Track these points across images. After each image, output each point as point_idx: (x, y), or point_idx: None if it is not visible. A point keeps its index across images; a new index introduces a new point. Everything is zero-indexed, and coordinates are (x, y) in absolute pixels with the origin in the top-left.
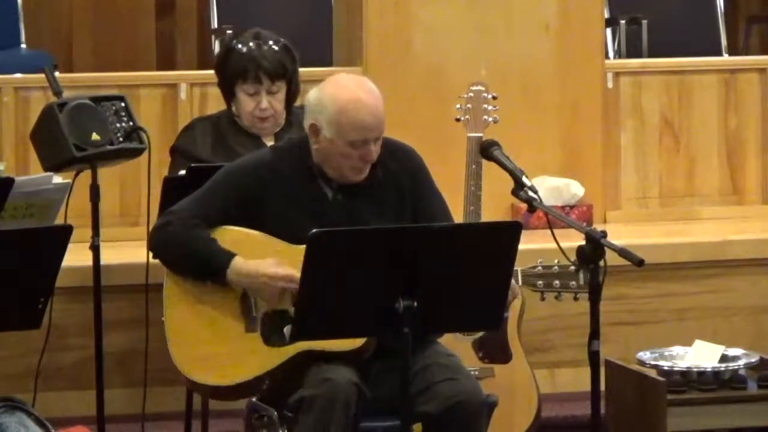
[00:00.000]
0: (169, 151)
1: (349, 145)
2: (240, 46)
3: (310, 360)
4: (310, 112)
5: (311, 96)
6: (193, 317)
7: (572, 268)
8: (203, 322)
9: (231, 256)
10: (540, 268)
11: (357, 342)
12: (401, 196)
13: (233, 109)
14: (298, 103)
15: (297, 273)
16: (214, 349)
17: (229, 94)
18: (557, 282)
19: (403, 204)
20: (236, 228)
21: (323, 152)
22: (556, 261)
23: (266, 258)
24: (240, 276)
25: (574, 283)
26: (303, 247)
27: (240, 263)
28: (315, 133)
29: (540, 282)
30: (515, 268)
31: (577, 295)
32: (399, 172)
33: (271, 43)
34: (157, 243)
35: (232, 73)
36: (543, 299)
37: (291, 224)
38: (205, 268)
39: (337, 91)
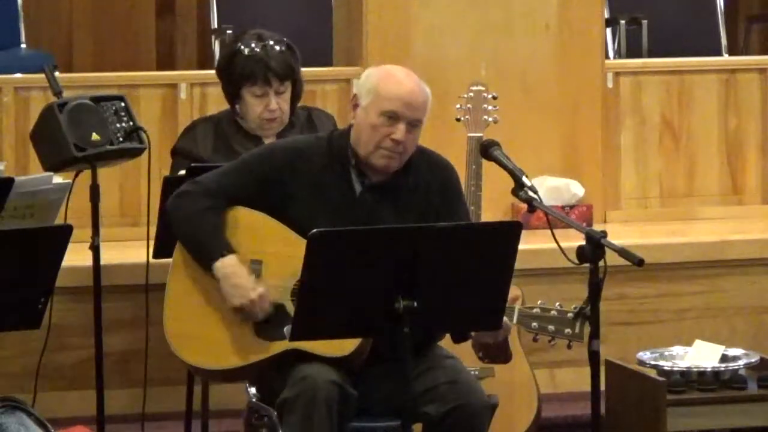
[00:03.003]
0: (171, 152)
1: (380, 116)
2: (245, 48)
3: (297, 360)
4: (357, 86)
5: (363, 74)
6: (194, 294)
7: (570, 315)
8: (202, 301)
9: (227, 252)
10: (538, 309)
11: (347, 348)
12: (428, 207)
13: (238, 110)
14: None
15: (268, 302)
16: (206, 330)
17: (234, 97)
18: (552, 327)
19: (428, 215)
20: (255, 213)
21: (356, 127)
22: (557, 304)
23: (274, 247)
24: (225, 268)
25: (569, 330)
26: None
27: (233, 260)
28: (354, 106)
29: (535, 324)
30: (514, 306)
31: (571, 344)
32: (432, 184)
33: (275, 43)
34: (171, 209)
35: (239, 76)
36: (536, 340)
37: (312, 214)
38: (199, 249)
39: (387, 70)
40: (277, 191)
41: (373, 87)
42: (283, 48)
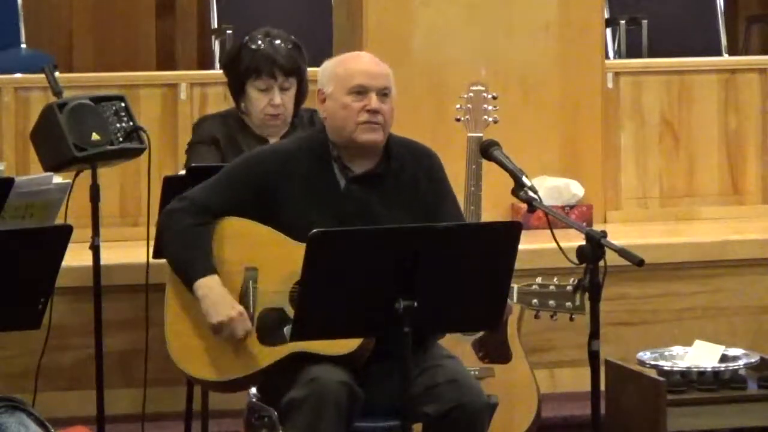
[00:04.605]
0: (187, 147)
1: (349, 94)
2: (252, 43)
3: (302, 361)
4: (318, 82)
5: (319, 70)
6: (193, 308)
7: (569, 288)
8: (202, 315)
9: (210, 272)
10: (536, 286)
11: (351, 345)
12: (416, 197)
13: (242, 107)
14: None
15: (241, 331)
16: (209, 342)
17: (238, 93)
18: (553, 302)
19: (417, 205)
20: (245, 221)
21: (330, 117)
22: (554, 279)
23: (267, 253)
24: (206, 288)
25: (569, 303)
26: (303, 245)
27: (214, 280)
28: (321, 100)
29: (535, 300)
30: (512, 285)
31: (573, 316)
32: (419, 175)
33: (283, 41)
34: (160, 227)
35: (244, 70)
36: (537, 317)
37: (301, 214)
38: (182, 268)
39: (341, 55)
40: (268, 198)
41: (333, 73)
42: (290, 46)
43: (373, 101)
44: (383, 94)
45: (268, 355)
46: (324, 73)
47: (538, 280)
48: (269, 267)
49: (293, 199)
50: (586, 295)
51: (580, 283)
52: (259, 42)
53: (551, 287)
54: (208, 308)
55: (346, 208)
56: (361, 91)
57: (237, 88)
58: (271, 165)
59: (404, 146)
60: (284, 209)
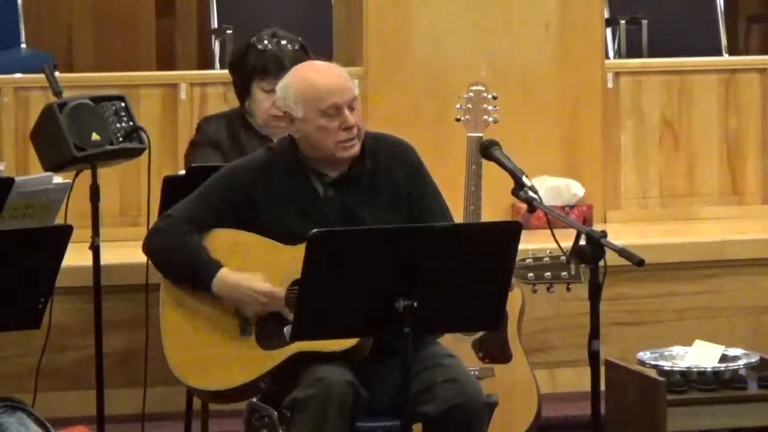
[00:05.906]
0: (189, 145)
1: (323, 116)
2: (259, 43)
3: (305, 361)
4: (283, 104)
5: (277, 89)
6: (189, 320)
7: (563, 258)
8: (198, 326)
9: (218, 267)
10: (530, 260)
11: (351, 341)
12: (396, 192)
13: (246, 106)
14: None
15: (279, 292)
16: (209, 353)
17: (244, 92)
18: (548, 273)
19: (399, 200)
20: (230, 230)
21: (304, 138)
22: (548, 251)
23: (259, 258)
24: (225, 287)
25: (565, 273)
26: (297, 247)
27: (226, 274)
28: (291, 122)
29: (531, 274)
30: None
31: (570, 286)
32: (395, 169)
33: (289, 42)
34: (149, 248)
35: (251, 70)
36: (535, 291)
37: (284, 224)
38: (191, 276)
39: (295, 71)
40: (246, 211)
41: (299, 96)
42: (297, 47)
43: (349, 118)
44: (353, 104)
45: (270, 359)
46: (288, 94)
47: (531, 254)
48: (262, 273)
49: (273, 212)
50: (581, 264)
51: (574, 250)
52: (266, 42)
53: (545, 259)
54: (238, 303)
55: (329, 214)
56: (336, 113)
57: (242, 87)
58: (247, 179)
59: (377, 142)
60: (264, 223)
